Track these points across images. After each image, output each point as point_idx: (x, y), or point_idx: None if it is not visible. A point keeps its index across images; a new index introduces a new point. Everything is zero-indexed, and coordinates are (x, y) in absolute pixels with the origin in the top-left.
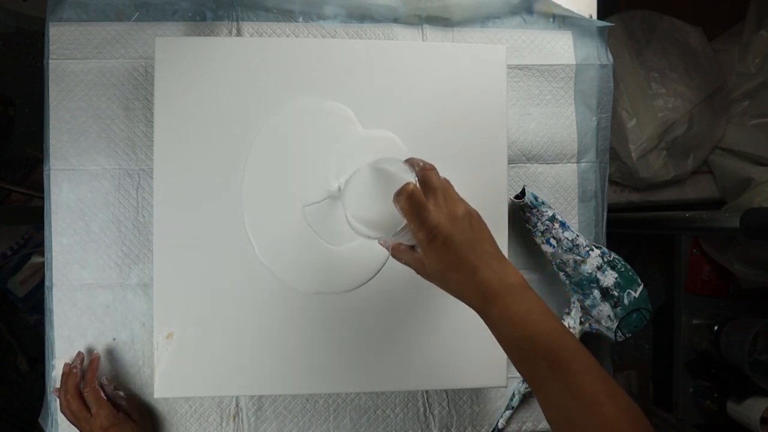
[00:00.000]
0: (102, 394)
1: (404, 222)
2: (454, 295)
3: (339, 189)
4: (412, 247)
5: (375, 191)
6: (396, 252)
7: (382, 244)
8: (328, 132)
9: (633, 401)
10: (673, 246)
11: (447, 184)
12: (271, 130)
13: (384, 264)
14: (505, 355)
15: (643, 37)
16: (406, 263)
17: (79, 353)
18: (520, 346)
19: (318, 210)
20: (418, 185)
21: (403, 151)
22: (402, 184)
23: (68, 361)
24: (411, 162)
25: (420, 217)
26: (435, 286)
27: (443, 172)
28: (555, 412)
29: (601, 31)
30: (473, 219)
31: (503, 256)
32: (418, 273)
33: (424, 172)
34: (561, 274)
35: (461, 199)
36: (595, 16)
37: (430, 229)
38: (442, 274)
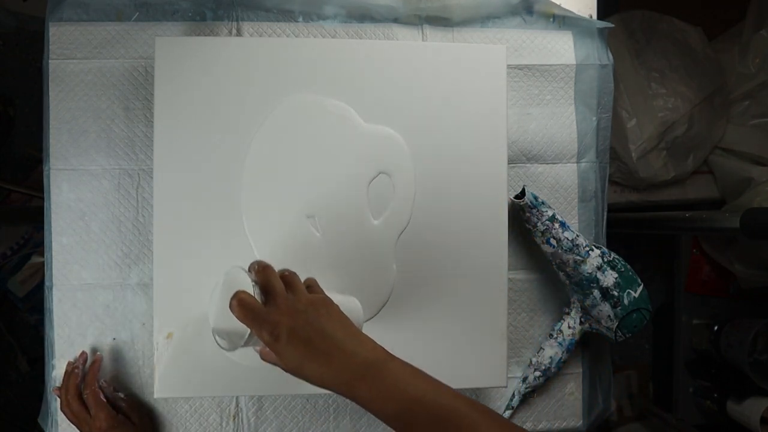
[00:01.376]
0: (102, 396)
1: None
2: (320, 387)
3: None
4: None
5: (225, 302)
6: (263, 356)
7: (254, 348)
8: (329, 129)
9: None
10: (673, 246)
11: (289, 279)
12: (271, 128)
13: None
14: (505, 355)
15: (643, 37)
16: (274, 365)
17: (83, 353)
18: (400, 418)
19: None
20: (256, 289)
21: (404, 148)
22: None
23: (71, 359)
24: (250, 267)
25: (257, 320)
26: (435, 289)
27: (443, 172)
28: None
29: (601, 31)
30: (318, 307)
31: (358, 332)
32: (287, 372)
33: (259, 274)
34: (561, 274)
35: (305, 289)
36: (595, 16)
37: (271, 330)
38: (301, 369)
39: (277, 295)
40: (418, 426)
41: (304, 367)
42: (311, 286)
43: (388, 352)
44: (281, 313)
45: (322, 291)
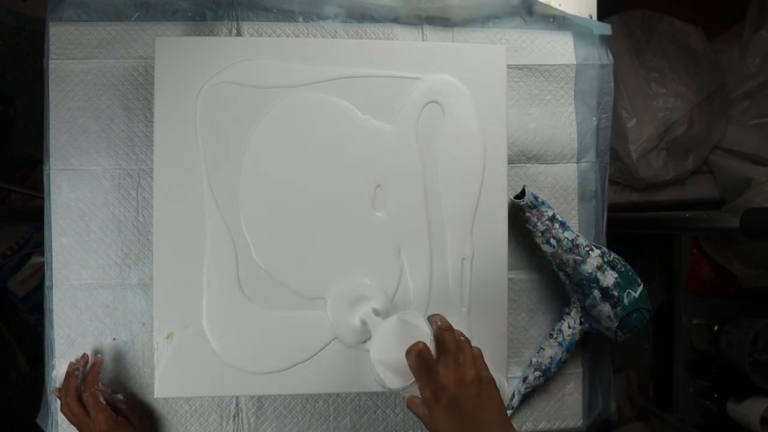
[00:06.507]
0: (101, 399)
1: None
2: None
3: (362, 323)
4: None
5: (396, 342)
6: (409, 404)
7: (401, 393)
8: (328, 127)
9: None
10: (673, 246)
11: (463, 346)
12: (269, 126)
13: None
14: (505, 355)
15: (643, 37)
16: (417, 416)
17: (84, 355)
18: None
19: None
20: (432, 343)
21: (406, 148)
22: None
23: (73, 360)
24: (431, 319)
25: (427, 376)
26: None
27: (443, 172)
28: None
29: None
30: (482, 385)
31: (508, 424)
32: (427, 428)
33: (440, 332)
34: (561, 274)
35: (475, 363)
36: (595, 16)
37: (435, 390)
38: None
39: (450, 359)
40: None
41: None
42: (477, 358)
43: None
44: (449, 379)
45: (486, 366)
